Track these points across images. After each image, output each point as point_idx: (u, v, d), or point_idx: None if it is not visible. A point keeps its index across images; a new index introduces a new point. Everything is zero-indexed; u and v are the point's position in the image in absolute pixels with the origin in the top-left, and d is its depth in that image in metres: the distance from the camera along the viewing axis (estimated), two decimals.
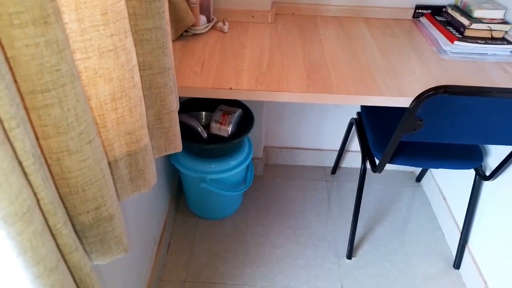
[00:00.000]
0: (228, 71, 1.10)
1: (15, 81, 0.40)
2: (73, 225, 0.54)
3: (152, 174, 0.73)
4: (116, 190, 0.67)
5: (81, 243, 0.57)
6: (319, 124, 1.79)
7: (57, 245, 0.42)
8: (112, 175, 0.65)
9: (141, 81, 0.70)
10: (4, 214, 0.31)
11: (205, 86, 1.03)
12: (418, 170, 1.90)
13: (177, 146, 0.80)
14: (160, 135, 0.76)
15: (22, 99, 0.41)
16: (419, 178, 1.87)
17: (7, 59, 0.38)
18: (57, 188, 0.49)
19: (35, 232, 0.35)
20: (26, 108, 0.42)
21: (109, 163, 0.64)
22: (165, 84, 0.73)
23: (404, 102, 1.04)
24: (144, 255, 1.24)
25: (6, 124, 0.33)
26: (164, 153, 0.80)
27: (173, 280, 1.43)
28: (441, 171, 1.72)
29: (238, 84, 1.05)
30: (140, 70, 0.69)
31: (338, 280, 1.45)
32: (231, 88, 1.03)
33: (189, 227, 1.62)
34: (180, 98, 1.60)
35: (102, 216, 0.57)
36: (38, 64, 0.40)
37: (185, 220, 1.64)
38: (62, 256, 0.43)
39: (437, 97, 0.99)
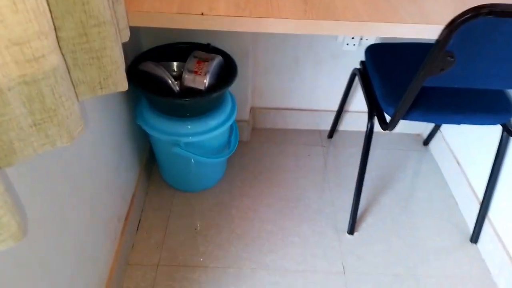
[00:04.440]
0: None
1: None
2: None
3: (74, 117, 0.47)
4: (9, 143, 0.42)
5: None
6: (314, 80, 1.54)
7: None
8: None
9: None
10: None
11: (168, 11, 0.77)
12: (425, 132, 1.68)
13: (119, 81, 0.54)
14: (88, 61, 0.50)
15: None
16: (427, 141, 1.65)
17: None
18: None
19: None
20: None
21: None
22: None
23: (432, 31, 0.80)
24: (101, 236, 1.00)
25: None
26: (100, 92, 0.54)
27: (143, 263, 1.19)
28: (453, 132, 1.50)
29: (212, 9, 0.78)
30: None
31: (339, 259, 1.23)
32: (202, 14, 0.77)
33: (163, 201, 1.37)
34: (143, 43, 1.33)
35: None
36: None
37: (159, 193, 1.40)
38: None
39: (478, 21, 0.74)
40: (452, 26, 0.76)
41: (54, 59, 0.42)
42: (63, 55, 0.48)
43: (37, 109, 0.43)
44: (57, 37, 0.47)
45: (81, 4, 0.46)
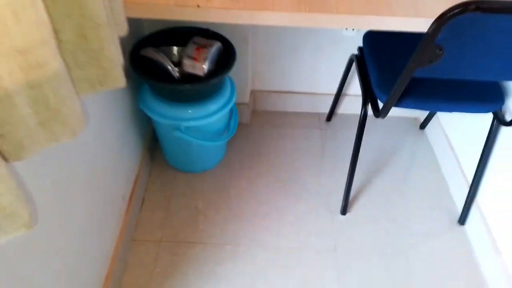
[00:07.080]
0: None
1: None
2: None
3: (76, 115, 0.52)
4: (19, 141, 0.46)
5: None
6: (314, 64, 1.56)
7: None
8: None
9: None
10: None
11: (164, 3, 0.79)
12: (422, 116, 1.70)
13: (117, 78, 0.59)
14: (87, 60, 0.54)
15: None
16: (423, 125, 1.68)
17: None
18: None
19: None
20: None
21: None
22: None
23: (422, 24, 0.82)
24: (107, 214, 1.06)
25: None
26: (100, 88, 0.59)
27: (147, 239, 1.27)
28: (449, 117, 1.52)
29: (208, 1, 0.81)
30: None
31: (331, 238, 1.30)
32: (198, 6, 0.80)
33: (166, 181, 1.44)
34: (145, 27, 1.35)
35: None
36: None
37: (162, 174, 1.46)
38: None
39: (465, 17, 0.77)
40: (441, 21, 0.78)
41: (56, 64, 0.46)
42: (63, 56, 0.52)
43: (42, 110, 0.47)
44: (57, 39, 0.51)
45: (78, 8, 0.50)
